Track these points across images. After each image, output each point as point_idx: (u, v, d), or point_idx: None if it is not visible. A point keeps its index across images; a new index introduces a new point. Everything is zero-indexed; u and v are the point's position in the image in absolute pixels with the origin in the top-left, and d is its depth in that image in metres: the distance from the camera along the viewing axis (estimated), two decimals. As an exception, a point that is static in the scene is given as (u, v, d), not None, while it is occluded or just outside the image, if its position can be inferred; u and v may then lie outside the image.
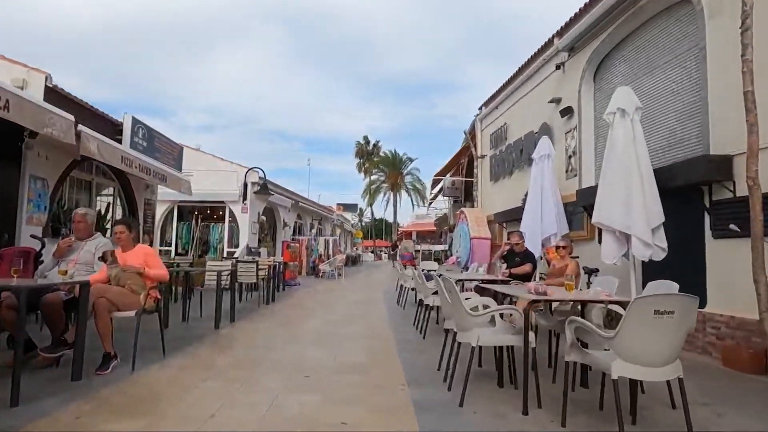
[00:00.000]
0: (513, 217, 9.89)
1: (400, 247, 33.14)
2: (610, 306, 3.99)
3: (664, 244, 5.10)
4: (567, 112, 8.14)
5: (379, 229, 71.91)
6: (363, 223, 67.36)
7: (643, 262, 5.43)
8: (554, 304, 4.77)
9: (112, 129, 8.90)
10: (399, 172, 55.84)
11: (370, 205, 60.25)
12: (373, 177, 58.43)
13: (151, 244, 11.31)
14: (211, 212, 18.81)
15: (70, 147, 6.53)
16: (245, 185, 16.92)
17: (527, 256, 6.92)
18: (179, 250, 17.39)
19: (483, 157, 12.71)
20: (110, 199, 9.94)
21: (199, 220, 17.63)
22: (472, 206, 13.71)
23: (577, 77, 7.98)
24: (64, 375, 3.81)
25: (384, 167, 56.88)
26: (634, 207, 5.10)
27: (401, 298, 10.03)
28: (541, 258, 7.65)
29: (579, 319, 3.26)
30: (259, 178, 17.05)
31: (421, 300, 7.06)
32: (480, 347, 3.70)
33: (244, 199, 16.89)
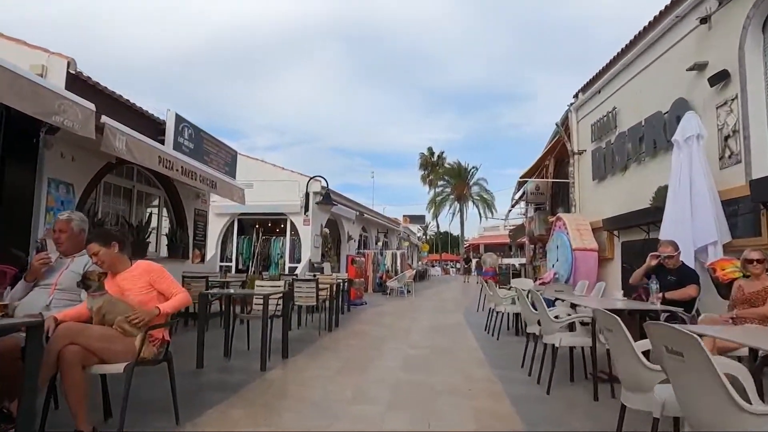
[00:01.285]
0: (632, 222, 7.79)
1: (478, 260, 30.95)
2: None
3: None
4: (720, 78, 6.05)
5: (444, 243, 69.69)
6: (427, 237, 65.36)
7: None
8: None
9: (154, 128, 7.81)
10: (465, 182, 53.59)
11: (435, 217, 58.29)
12: (438, 189, 56.56)
13: (202, 260, 10.19)
14: (273, 225, 17.80)
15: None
16: (307, 195, 15.73)
17: (686, 275, 4.89)
18: (240, 266, 16.44)
19: (581, 153, 10.64)
20: (157, 209, 8.89)
21: (260, 234, 16.63)
22: (567, 211, 11.61)
23: (734, 31, 5.89)
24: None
25: (449, 178, 54.85)
26: None
27: (491, 323, 8.17)
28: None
29: None
30: (322, 187, 15.82)
31: (529, 333, 5.23)
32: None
33: (306, 210, 15.69)
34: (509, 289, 9.10)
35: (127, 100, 7.08)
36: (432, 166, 58.82)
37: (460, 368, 5.30)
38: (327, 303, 8.29)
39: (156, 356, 3.05)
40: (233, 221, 16.41)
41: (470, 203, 54.64)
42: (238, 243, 16.47)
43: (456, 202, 54.38)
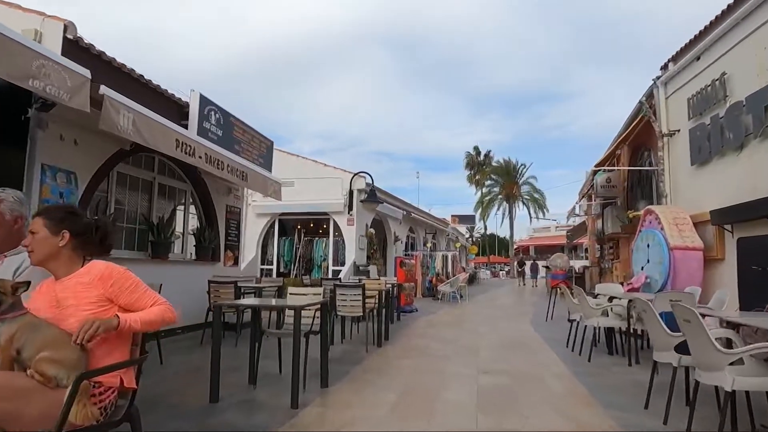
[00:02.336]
0: (761, 212, 6.13)
1: (533, 262, 29.02)
2: None
3: None
4: None
5: (491, 245, 67.36)
6: (474, 238, 63.21)
7: None
8: None
9: (175, 111, 6.82)
10: (514, 181, 51.36)
11: (483, 218, 56.18)
12: (486, 188, 54.50)
13: (236, 263, 9.19)
14: (315, 226, 16.79)
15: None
16: (350, 193, 14.60)
17: None
18: (281, 269, 15.51)
19: (672, 134, 8.95)
20: (183, 206, 7.93)
21: (302, 235, 15.66)
22: (650, 204, 9.92)
23: None
24: None
25: (497, 177, 52.71)
26: None
27: (573, 338, 6.70)
28: None
29: None
30: (366, 184, 14.65)
31: (660, 362, 3.79)
32: None
33: (350, 209, 14.56)
34: (595, 296, 7.57)
35: (141, 76, 6.08)
36: (478, 165, 56.88)
37: (559, 407, 3.90)
38: (375, 311, 7.07)
39: (100, 418, 1.86)
40: (274, 222, 15.50)
41: (520, 203, 52.36)
42: (279, 245, 15.55)
43: (505, 203, 52.22)
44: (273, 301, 5.07)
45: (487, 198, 53.55)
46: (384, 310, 7.40)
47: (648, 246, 8.33)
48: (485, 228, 60.87)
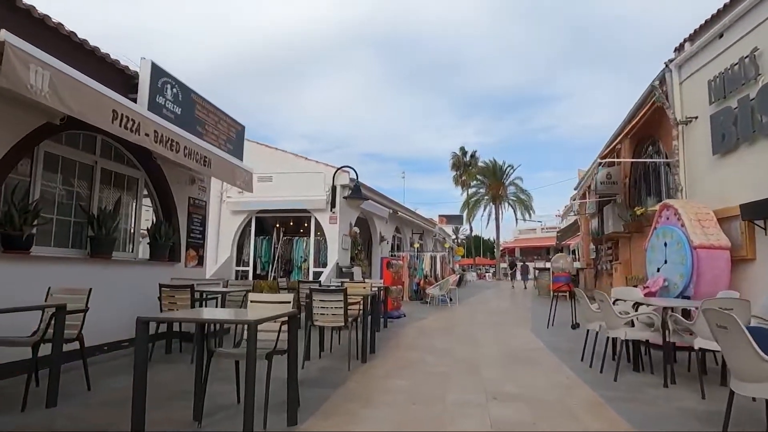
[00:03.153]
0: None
1: (523, 264, 28.23)
2: None
3: None
4: None
5: (476, 247, 66.75)
6: (459, 240, 62.50)
7: None
8: None
9: (122, 82, 5.71)
10: (500, 182, 50.72)
11: (469, 219, 55.47)
12: (472, 190, 53.81)
13: (200, 263, 8.09)
14: (295, 224, 15.70)
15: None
16: (333, 189, 13.56)
17: None
18: (258, 271, 14.39)
19: (689, 121, 8.11)
20: (135, 196, 6.80)
21: (281, 234, 14.56)
22: (659, 201, 9.10)
23: None
24: None
25: (484, 177, 52.04)
26: None
27: (587, 348, 5.77)
28: None
29: None
30: (350, 179, 13.64)
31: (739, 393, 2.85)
32: None
33: (333, 206, 13.52)
34: (614, 303, 6.67)
35: (73, 33, 4.96)
36: (464, 166, 56.19)
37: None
38: (359, 319, 6.06)
39: None
40: (251, 219, 14.37)
41: (506, 204, 51.74)
42: (256, 245, 14.42)
43: (491, 204, 51.54)
44: (221, 313, 4.00)
45: (474, 199, 52.87)
46: (369, 318, 6.38)
47: (665, 245, 7.46)
48: (471, 230, 60.14)
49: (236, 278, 14.17)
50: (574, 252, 32.80)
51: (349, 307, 5.62)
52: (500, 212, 51.27)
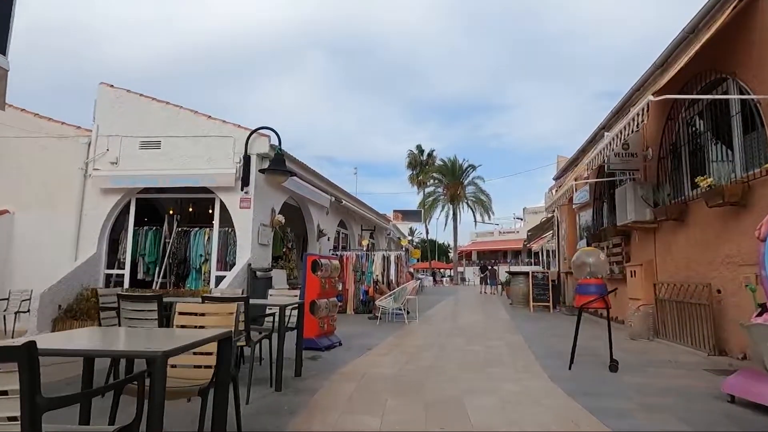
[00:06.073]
0: None
1: (492, 269, 24.98)
2: None
3: None
4: None
5: (431, 250, 63.90)
6: (415, 243, 59.38)
7: None
8: None
9: None
10: (459, 181, 47.86)
11: (425, 221, 52.41)
12: (429, 189, 50.76)
13: None
14: (198, 210, 11.67)
15: None
16: (246, 160, 9.65)
17: None
18: (140, 275, 10.21)
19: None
20: None
21: (176, 224, 10.45)
22: (717, 186, 5.82)
23: None
24: None
25: (441, 176, 49.06)
26: None
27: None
28: None
29: None
30: (271, 146, 9.77)
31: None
32: None
33: (245, 183, 9.60)
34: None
35: None
36: (421, 165, 53.27)
37: None
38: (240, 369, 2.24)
39: None
40: (129, 202, 10.18)
41: (464, 206, 48.88)
42: (138, 238, 10.23)
43: (449, 204, 48.55)
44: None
45: (431, 199, 49.79)
46: (234, 385, 2.60)
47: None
48: (427, 232, 57.18)
49: (106, 285, 9.97)
50: (536, 254, 29.94)
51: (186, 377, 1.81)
52: (458, 213, 48.37)
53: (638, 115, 5.73)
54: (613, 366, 5.33)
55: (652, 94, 5.63)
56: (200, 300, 3.78)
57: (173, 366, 2.63)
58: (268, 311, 5.35)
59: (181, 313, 2.87)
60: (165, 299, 4.06)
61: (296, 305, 5.06)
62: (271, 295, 5.67)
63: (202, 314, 2.89)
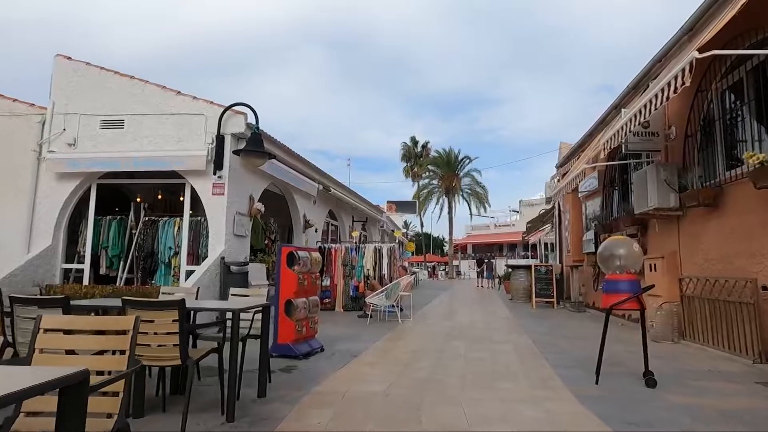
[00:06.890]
0: None
1: (489, 262, 24.04)
2: None
3: None
4: None
5: (426, 244, 62.97)
6: (409, 237, 58.36)
7: None
8: None
9: None
10: (455, 173, 46.79)
11: (420, 214, 51.37)
12: (424, 181, 49.64)
13: None
14: (169, 197, 10.63)
15: None
16: (219, 141, 8.59)
17: None
18: (104, 269, 9.15)
19: None
20: None
21: (143, 213, 9.38)
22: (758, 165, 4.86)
23: None
24: None
25: (437, 168, 47.98)
26: None
27: None
28: None
29: None
30: (247, 125, 8.72)
31: None
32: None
33: (218, 167, 8.55)
34: None
35: None
36: (416, 157, 52.11)
37: None
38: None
39: None
40: (89, 188, 9.10)
41: (460, 198, 47.86)
42: (99, 228, 9.17)
43: (444, 197, 47.52)
44: None
45: (425, 191, 48.70)
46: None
47: None
48: (422, 225, 56.22)
49: (65, 281, 8.91)
50: (534, 247, 29.02)
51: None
52: (454, 206, 47.36)
53: (678, 76, 4.73)
54: (651, 380, 4.36)
55: (697, 50, 4.62)
56: (120, 303, 2.77)
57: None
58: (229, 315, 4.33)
59: (47, 331, 1.86)
60: (105, 302, 3.05)
61: (260, 308, 4.04)
62: (232, 295, 4.64)
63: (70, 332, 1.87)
